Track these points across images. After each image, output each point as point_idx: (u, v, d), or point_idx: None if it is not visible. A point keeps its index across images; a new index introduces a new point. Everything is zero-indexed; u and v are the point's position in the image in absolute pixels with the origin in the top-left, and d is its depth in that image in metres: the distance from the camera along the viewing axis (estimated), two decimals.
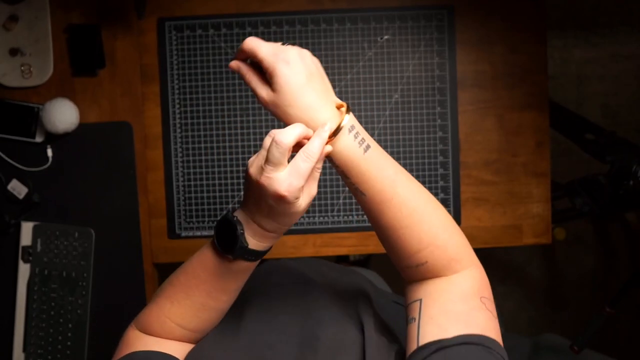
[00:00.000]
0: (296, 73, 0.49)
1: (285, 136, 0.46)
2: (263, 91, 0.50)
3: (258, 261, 0.54)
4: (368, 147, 0.50)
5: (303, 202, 0.49)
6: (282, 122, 0.50)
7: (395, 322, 0.70)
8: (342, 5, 0.97)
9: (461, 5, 0.97)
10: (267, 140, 0.47)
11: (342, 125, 0.49)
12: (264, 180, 0.46)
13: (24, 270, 0.96)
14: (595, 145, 1.15)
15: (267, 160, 0.46)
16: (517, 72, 0.98)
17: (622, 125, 1.78)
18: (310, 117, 0.49)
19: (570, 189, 1.22)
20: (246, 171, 0.49)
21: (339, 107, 0.51)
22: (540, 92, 0.98)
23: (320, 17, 0.97)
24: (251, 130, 0.98)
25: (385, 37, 0.97)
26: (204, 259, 0.54)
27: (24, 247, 0.96)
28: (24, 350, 0.96)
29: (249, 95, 0.98)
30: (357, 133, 0.50)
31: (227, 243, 0.51)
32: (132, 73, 0.97)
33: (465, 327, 0.47)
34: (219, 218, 0.53)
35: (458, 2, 0.97)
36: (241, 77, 0.52)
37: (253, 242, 0.51)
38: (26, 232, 0.96)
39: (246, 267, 0.54)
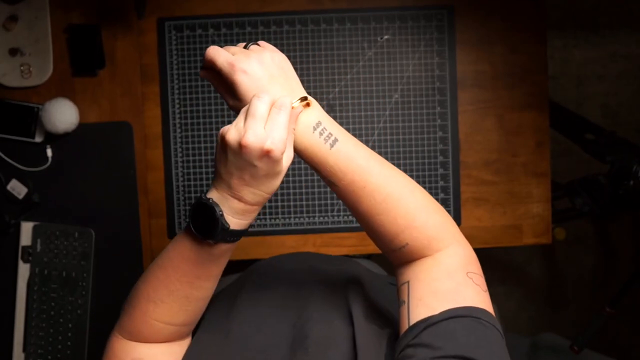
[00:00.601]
0: (256, 79, 0.49)
1: (267, 93, 0.48)
2: (229, 100, 0.52)
3: (238, 241, 0.53)
4: (335, 140, 0.51)
5: (285, 162, 0.49)
6: None
7: (391, 303, 0.69)
8: (342, 5, 0.97)
9: (461, 5, 0.97)
10: (255, 103, 0.47)
11: (294, 105, 0.49)
12: (247, 139, 0.46)
13: (23, 270, 0.96)
14: (595, 145, 1.15)
15: (250, 117, 0.47)
16: (517, 72, 0.98)
17: (622, 125, 1.78)
18: None
19: (570, 189, 1.22)
20: (221, 141, 0.48)
21: (303, 101, 0.51)
22: (540, 92, 0.98)
23: (320, 17, 0.97)
24: None
25: (385, 37, 0.97)
26: (181, 250, 0.52)
27: (23, 247, 0.96)
28: (24, 350, 0.96)
29: None
30: (323, 129, 0.51)
31: (206, 228, 0.50)
32: (132, 73, 0.97)
33: (453, 303, 0.47)
34: (191, 205, 0.51)
35: (458, 2, 0.97)
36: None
37: (234, 221, 0.50)
38: (26, 232, 0.96)
39: (227, 249, 0.53)
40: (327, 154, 0.51)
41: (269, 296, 0.62)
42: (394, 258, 0.55)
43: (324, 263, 0.74)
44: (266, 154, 0.46)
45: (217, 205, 0.49)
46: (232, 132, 0.47)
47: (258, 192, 0.49)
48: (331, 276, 0.68)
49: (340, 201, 0.97)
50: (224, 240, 0.51)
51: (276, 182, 0.50)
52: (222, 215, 0.49)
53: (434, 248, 0.52)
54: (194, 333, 0.61)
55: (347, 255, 1.70)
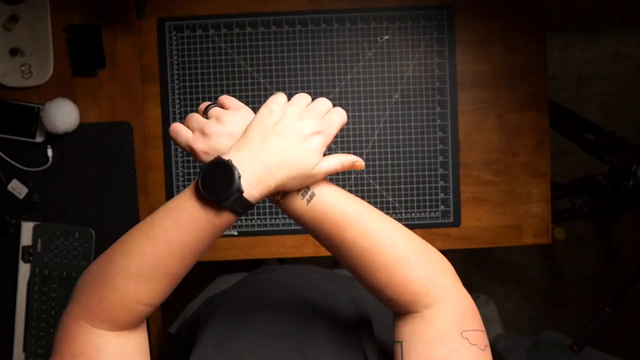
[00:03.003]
0: (219, 152, 0.51)
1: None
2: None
3: (239, 217, 0.51)
4: (312, 195, 0.50)
5: (324, 164, 0.50)
6: None
7: (391, 328, 0.69)
8: (342, 5, 0.97)
9: (461, 5, 0.97)
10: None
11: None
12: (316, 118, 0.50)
13: (24, 270, 0.96)
14: (595, 145, 1.15)
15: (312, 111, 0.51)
16: (517, 72, 0.98)
17: (621, 125, 1.78)
18: None
19: (570, 189, 1.22)
20: (296, 100, 0.52)
21: None
22: (540, 92, 0.98)
23: (320, 17, 0.97)
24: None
25: (385, 37, 0.97)
26: (180, 218, 0.47)
27: (24, 247, 0.96)
28: (24, 350, 0.96)
29: (249, 95, 0.98)
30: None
31: (218, 190, 0.45)
32: (132, 73, 0.97)
33: None
34: (203, 165, 0.48)
35: (458, 2, 0.97)
36: None
37: (248, 189, 0.47)
38: (26, 232, 0.96)
39: (228, 224, 0.48)
40: (304, 210, 0.50)
41: (276, 318, 0.61)
42: (388, 307, 0.52)
43: (327, 280, 0.75)
44: (318, 133, 0.49)
45: (236, 167, 0.46)
46: (295, 106, 0.50)
47: (286, 169, 0.48)
48: (340, 302, 0.67)
49: None
50: (232, 206, 0.46)
51: (303, 175, 0.49)
52: (240, 177, 0.46)
53: (421, 304, 0.48)
54: (196, 336, 0.60)
55: None
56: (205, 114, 0.53)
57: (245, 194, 0.46)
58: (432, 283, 0.49)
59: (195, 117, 0.53)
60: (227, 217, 0.47)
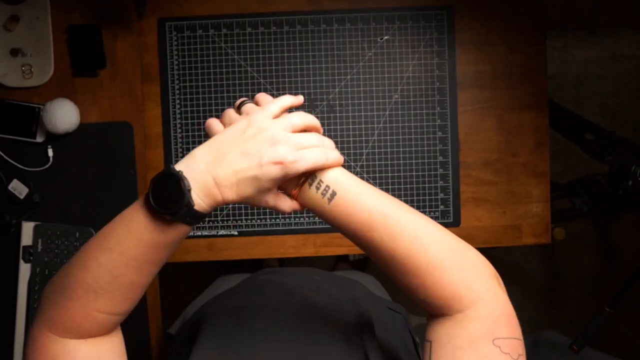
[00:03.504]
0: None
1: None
2: None
3: (189, 230, 0.49)
4: (334, 194, 0.48)
5: (269, 199, 0.50)
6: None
7: (393, 331, 0.69)
8: (342, 6, 0.97)
9: (461, 5, 0.97)
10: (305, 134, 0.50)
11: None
12: (287, 134, 0.49)
13: (24, 270, 0.96)
14: (595, 145, 1.15)
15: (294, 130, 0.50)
16: (517, 72, 0.98)
17: (621, 125, 1.78)
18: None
19: (569, 189, 1.22)
20: (251, 112, 0.50)
21: None
22: (540, 92, 0.98)
23: (320, 17, 0.97)
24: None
25: (385, 37, 0.98)
26: (132, 229, 0.47)
27: (24, 247, 0.96)
28: None
29: (249, 96, 0.98)
30: (319, 183, 0.49)
31: (168, 203, 0.45)
32: (133, 73, 0.97)
33: None
34: (154, 177, 0.47)
35: (458, 2, 0.97)
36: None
37: (198, 201, 0.46)
38: (27, 232, 0.96)
39: (182, 234, 0.48)
40: (325, 209, 0.49)
41: (279, 319, 0.61)
42: (421, 307, 0.50)
43: (328, 282, 0.75)
44: (281, 164, 0.46)
45: (186, 179, 0.45)
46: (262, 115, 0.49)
47: (236, 187, 0.47)
48: (341, 303, 0.67)
49: None
50: (183, 219, 0.46)
51: (255, 195, 0.48)
52: (189, 190, 0.45)
53: (453, 308, 0.46)
54: (197, 337, 0.60)
55: (346, 255, 1.70)
56: (239, 110, 0.53)
57: (196, 207, 0.46)
58: (465, 287, 0.47)
59: (229, 113, 0.53)
60: (180, 228, 0.47)
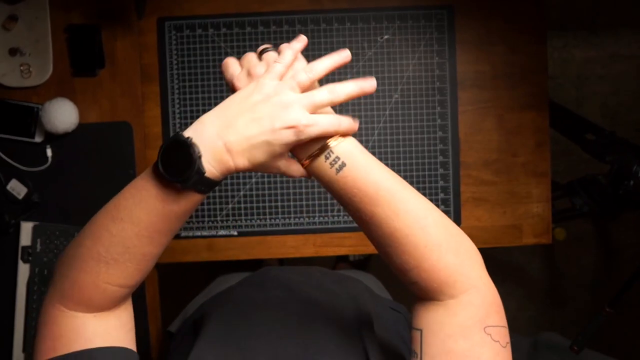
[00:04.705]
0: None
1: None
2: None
3: (206, 195, 0.49)
4: (342, 165, 0.47)
5: (281, 165, 0.49)
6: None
7: (393, 330, 0.69)
8: (342, 5, 0.97)
9: (461, 5, 0.97)
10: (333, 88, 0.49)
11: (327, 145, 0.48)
12: (304, 97, 0.48)
13: (23, 270, 0.96)
14: (595, 145, 1.15)
15: (317, 91, 0.48)
16: (517, 72, 0.98)
17: (621, 125, 1.78)
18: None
19: (570, 189, 1.22)
20: (267, 74, 0.49)
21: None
22: (540, 92, 0.98)
23: (320, 17, 0.97)
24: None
25: (385, 37, 0.97)
26: (143, 199, 0.46)
27: (23, 247, 0.96)
28: (24, 350, 0.96)
29: None
30: (329, 153, 0.47)
31: (178, 170, 0.44)
32: (132, 73, 0.97)
33: None
34: (165, 142, 0.45)
35: (458, 2, 0.97)
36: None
37: (210, 168, 0.45)
38: (26, 232, 0.96)
39: (194, 202, 0.47)
40: (333, 179, 0.48)
41: (280, 314, 0.61)
42: (410, 289, 0.50)
43: (328, 278, 0.75)
44: (294, 129, 0.46)
45: (196, 145, 0.44)
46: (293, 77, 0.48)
47: (248, 153, 0.46)
48: (342, 301, 0.67)
49: None
50: (195, 187, 0.45)
51: (267, 161, 0.47)
52: (200, 157, 0.44)
53: (446, 293, 0.46)
54: (198, 333, 0.61)
55: (347, 255, 1.70)
56: (260, 56, 0.52)
57: (207, 174, 0.45)
58: (460, 273, 0.47)
59: (249, 57, 0.52)
60: (191, 196, 0.46)
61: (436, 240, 0.47)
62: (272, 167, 0.49)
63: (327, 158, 0.48)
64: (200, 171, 0.44)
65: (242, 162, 0.46)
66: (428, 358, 0.45)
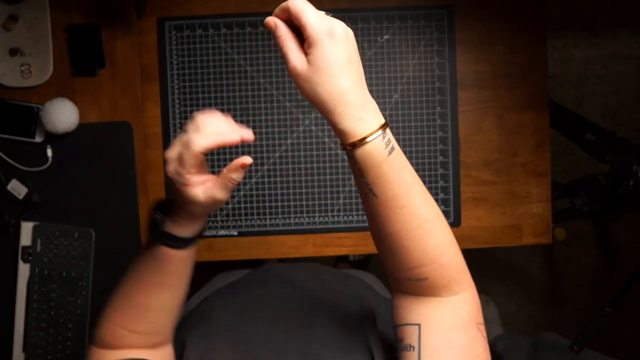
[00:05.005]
0: (339, 52, 0.44)
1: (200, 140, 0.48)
2: (297, 60, 0.45)
3: (189, 250, 0.54)
4: (393, 149, 0.47)
5: (199, 192, 0.49)
6: (306, 98, 0.47)
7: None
8: (342, 5, 0.97)
9: (461, 5, 0.97)
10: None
11: (381, 128, 0.46)
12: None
13: (23, 270, 0.96)
14: (595, 145, 1.15)
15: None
16: (517, 72, 0.98)
17: (621, 125, 1.78)
18: (340, 103, 0.45)
19: (570, 189, 1.22)
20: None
21: None
22: (540, 92, 0.98)
23: None
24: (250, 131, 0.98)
25: (385, 37, 0.97)
26: (143, 255, 0.55)
27: (23, 247, 0.96)
28: (24, 350, 0.96)
29: (249, 95, 0.98)
30: (385, 133, 0.46)
31: (151, 230, 0.53)
32: (132, 73, 0.97)
33: (466, 359, 0.46)
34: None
35: (458, 2, 0.97)
36: (275, 37, 0.47)
37: (171, 226, 0.52)
38: (26, 232, 0.96)
39: (174, 257, 0.53)
40: (384, 160, 0.46)
41: (282, 310, 0.62)
42: (404, 286, 0.51)
43: (331, 276, 0.75)
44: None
45: (160, 213, 0.52)
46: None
47: (183, 210, 0.51)
48: (345, 298, 0.68)
49: (340, 201, 0.97)
50: (161, 241, 0.52)
51: (191, 207, 0.51)
52: (160, 217, 0.53)
53: (451, 290, 0.49)
54: (203, 324, 0.61)
55: (347, 255, 1.70)
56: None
57: (168, 229, 0.54)
58: (464, 272, 0.51)
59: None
60: (169, 252, 0.54)
61: (451, 239, 0.50)
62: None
63: (383, 137, 0.46)
64: (160, 229, 0.53)
65: (182, 213, 0.53)
66: (428, 351, 0.46)
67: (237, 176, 0.49)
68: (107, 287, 0.96)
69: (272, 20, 0.47)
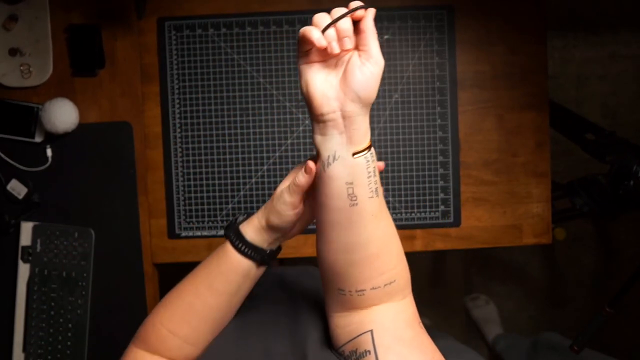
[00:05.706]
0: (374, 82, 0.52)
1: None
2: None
3: (252, 268, 0.56)
4: (375, 169, 0.51)
5: (290, 212, 0.54)
6: (363, 91, 0.53)
7: None
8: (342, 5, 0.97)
9: (461, 5, 0.97)
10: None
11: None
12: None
13: (23, 270, 0.96)
14: (595, 145, 1.15)
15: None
16: (517, 72, 0.98)
17: (621, 125, 1.78)
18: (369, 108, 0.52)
19: (570, 189, 1.22)
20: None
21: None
22: (540, 92, 0.98)
23: None
24: (251, 130, 0.98)
25: (385, 37, 0.97)
26: (208, 257, 0.57)
27: (23, 247, 0.96)
28: (24, 350, 0.96)
29: (249, 95, 0.98)
30: (371, 151, 0.51)
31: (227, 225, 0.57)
32: (132, 73, 0.97)
33: (420, 353, 0.48)
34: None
35: (458, 2, 0.97)
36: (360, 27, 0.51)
37: (249, 232, 0.56)
38: (26, 232, 0.96)
39: (237, 266, 0.56)
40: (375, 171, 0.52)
41: (274, 317, 0.63)
42: (358, 301, 0.52)
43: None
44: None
45: (244, 215, 0.58)
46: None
47: (273, 218, 0.55)
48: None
49: None
50: (235, 244, 0.55)
51: (282, 219, 0.55)
52: (237, 219, 0.57)
53: (404, 293, 0.53)
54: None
55: None
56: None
57: (243, 232, 0.57)
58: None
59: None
60: (234, 257, 0.57)
61: (399, 248, 0.55)
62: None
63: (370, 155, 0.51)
64: (234, 224, 0.57)
65: (269, 219, 0.57)
66: (383, 349, 0.48)
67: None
68: (107, 287, 0.97)
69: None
